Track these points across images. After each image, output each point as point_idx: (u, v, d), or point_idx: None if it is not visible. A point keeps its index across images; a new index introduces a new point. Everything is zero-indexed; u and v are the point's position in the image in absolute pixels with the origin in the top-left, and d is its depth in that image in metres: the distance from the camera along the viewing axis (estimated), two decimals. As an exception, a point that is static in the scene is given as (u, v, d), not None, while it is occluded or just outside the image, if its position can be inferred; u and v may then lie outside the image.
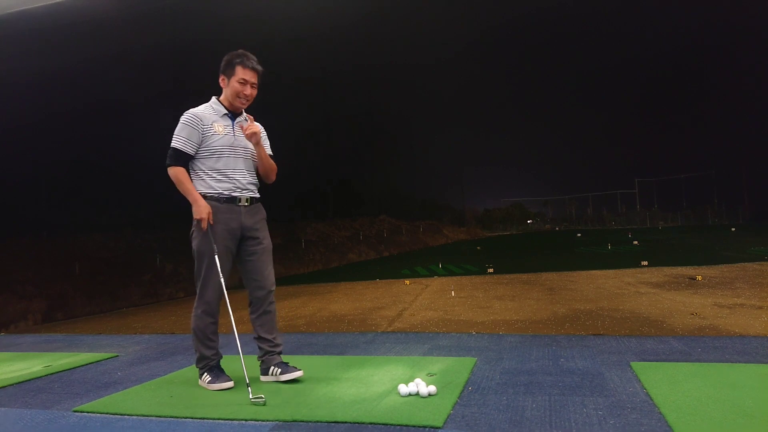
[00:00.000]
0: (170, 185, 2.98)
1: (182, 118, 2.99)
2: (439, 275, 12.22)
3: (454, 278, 11.08)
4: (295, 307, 7.78)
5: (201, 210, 2.90)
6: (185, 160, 2.98)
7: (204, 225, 2.90)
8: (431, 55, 49.70)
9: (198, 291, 3.00)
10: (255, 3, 22.49)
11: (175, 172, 2.94)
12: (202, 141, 2.99)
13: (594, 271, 10.60)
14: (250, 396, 2.68)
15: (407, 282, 10.75)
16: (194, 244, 2.99)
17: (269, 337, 3.08)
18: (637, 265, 11.24)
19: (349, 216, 35.14)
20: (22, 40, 15.22)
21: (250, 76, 3.05)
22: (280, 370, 3.02)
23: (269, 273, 3.13)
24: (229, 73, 3.04)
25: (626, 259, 13.20)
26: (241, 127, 3.07)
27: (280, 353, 3.12)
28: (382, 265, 19.38)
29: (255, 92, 3.10)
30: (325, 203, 35.73)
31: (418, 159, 59.25)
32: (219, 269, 2.93)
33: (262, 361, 3.11)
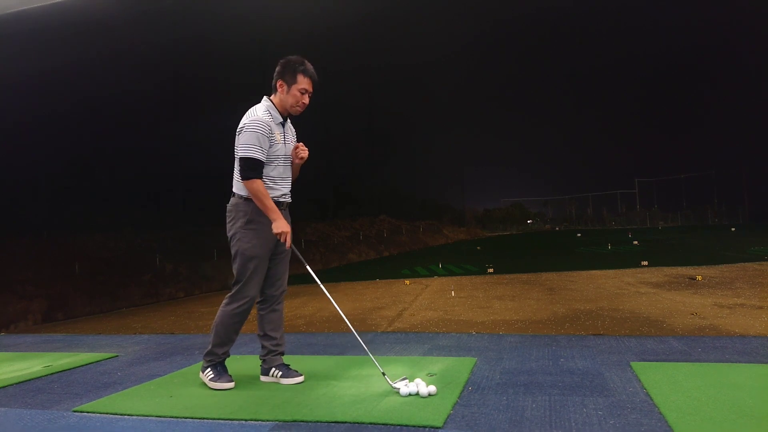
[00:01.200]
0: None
1: (251, 126, 2.85)
2: (439, 275, 12.22)
3: (454, 278, 11.08)
4: (295, 307, 7.78)
5: (282, 226, 2.90)
6: (262, 170, 2.91)
7: (288, 242, 2.94)
8: (431, 55, 49.78)
9: (237, 289, 2.97)
10: (255, 3, 22.49)
11: (258, 187, 2.86)
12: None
13: (594, 271, 10.61)
14: (392, 383, 2.71)
15: (407, 282, 10.75)
16: (241, 245, 2.94)
17: (275, 335, 3.09)
18: (637, 265, 11.25)
19: (349, 216, 35.16)
20: (21, 40, 15.22)
21: (309, 85, 3.00)
22: (281, 373, 3.02)
23: (286, 275, 3.19)
24: (290, 80, 2.95)
25: (626, 259, 13.21)
26: (296, 147, 3.08)
27: (282, 353, 3.12)
28: (382, 265, 19.40)
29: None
30: (325, 203, 35.72)
31: (418, 159, 59.29)
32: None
33: (264, 360, 3.10)
